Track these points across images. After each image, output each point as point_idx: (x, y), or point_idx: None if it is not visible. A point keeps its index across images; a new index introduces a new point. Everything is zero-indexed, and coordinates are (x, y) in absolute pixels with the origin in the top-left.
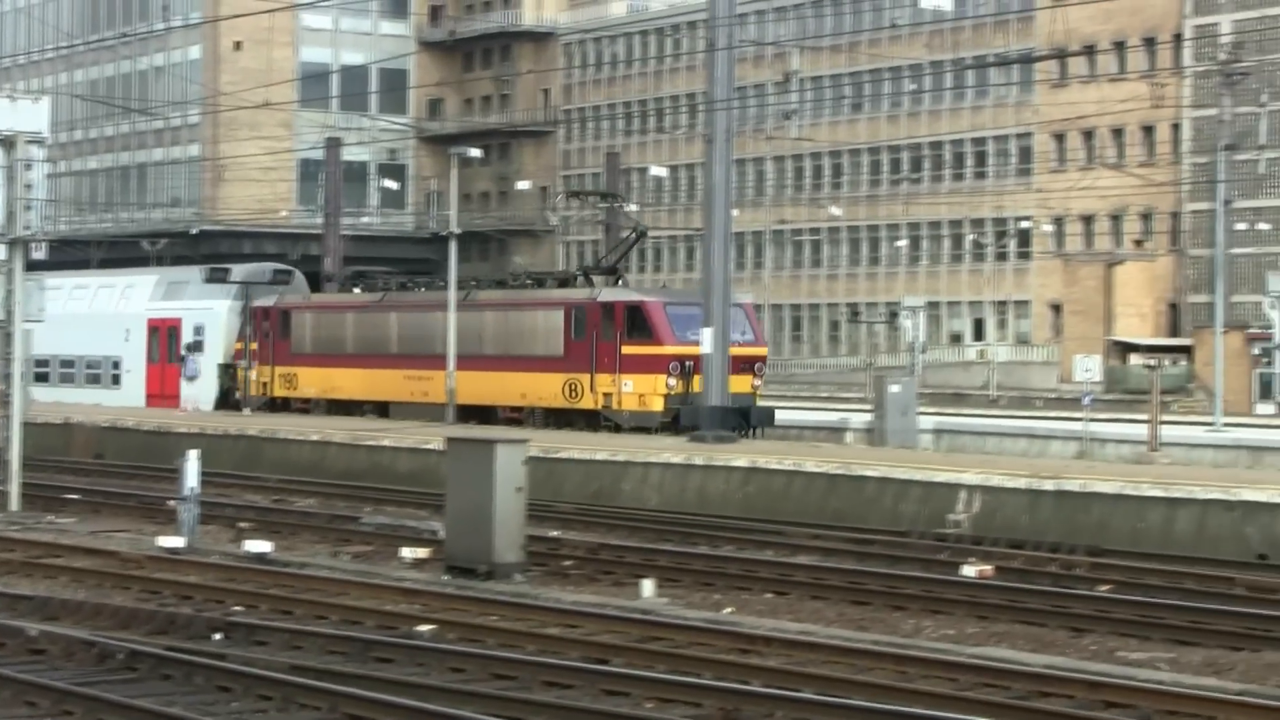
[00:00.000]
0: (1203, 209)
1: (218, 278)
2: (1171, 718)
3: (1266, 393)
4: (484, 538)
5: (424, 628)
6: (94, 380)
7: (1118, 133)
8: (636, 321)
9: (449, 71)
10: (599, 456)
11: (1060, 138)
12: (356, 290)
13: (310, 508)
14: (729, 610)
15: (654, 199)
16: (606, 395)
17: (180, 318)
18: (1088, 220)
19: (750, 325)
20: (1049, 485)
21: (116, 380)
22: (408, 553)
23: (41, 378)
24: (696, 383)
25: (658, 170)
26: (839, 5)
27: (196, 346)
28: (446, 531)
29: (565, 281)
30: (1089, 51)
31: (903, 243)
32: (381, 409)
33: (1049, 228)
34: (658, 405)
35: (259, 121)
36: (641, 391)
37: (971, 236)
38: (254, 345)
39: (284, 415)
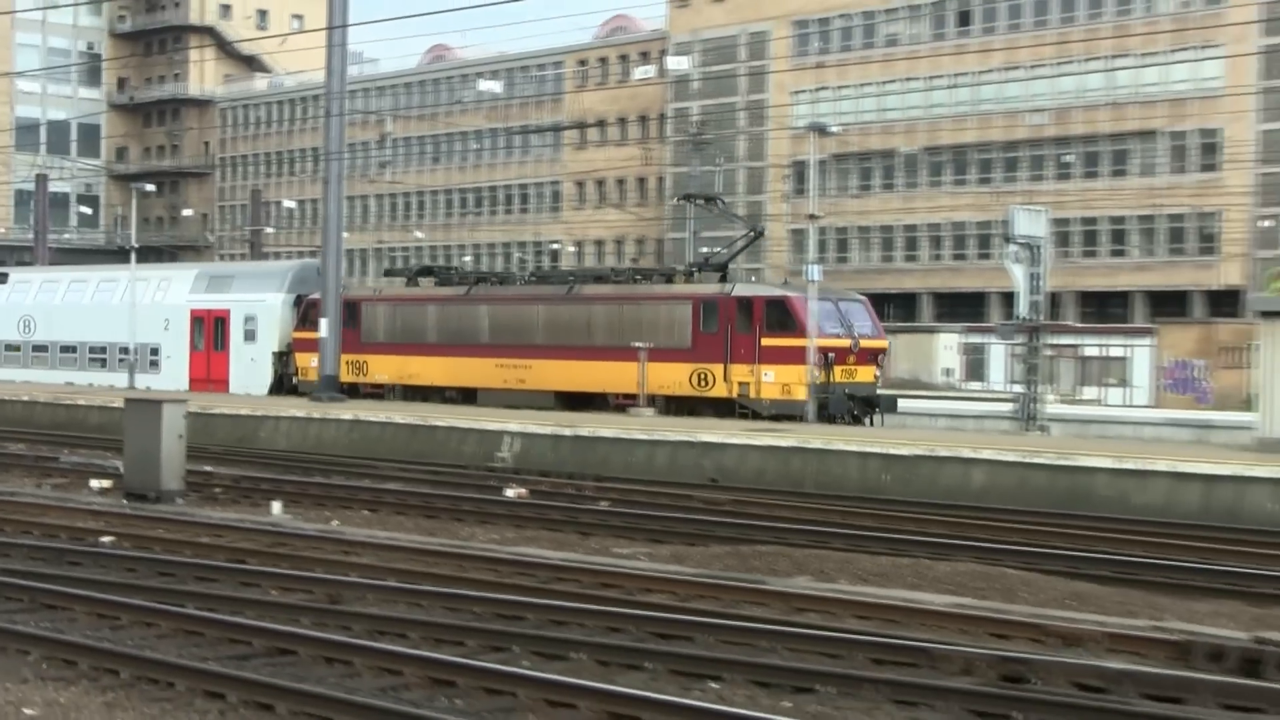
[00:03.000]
0: (679, 237)
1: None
2: (647, 593)
3: None
4: (153, 472)
5: (106, 538)
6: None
7: (621, 182)
8: (778, 315)
9: (132, 126)
10: (242, 412)
11: (580, 184)
12: (424, 283)
13: (21, 451)
14: (335, 523)
15: (288, 225)
16: (743, 384)
17: (228, 309)
18: (599, 244)
19: (872, 321)
20: (567, 432)
21: (155, 365)
22: (95, 484)
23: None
24: (838, 373)
25: (289, 203)
26: (423, 85)
27: (249, 336)
28: (125, 467)
29: (671, 277)
30: (600, 124)
31: (469, 258)
32: (468, 395)
33: (572, 248)
34: (802, 394)
35: None
36: (785, 381)
37: (518, 256)
38: (315, 335)
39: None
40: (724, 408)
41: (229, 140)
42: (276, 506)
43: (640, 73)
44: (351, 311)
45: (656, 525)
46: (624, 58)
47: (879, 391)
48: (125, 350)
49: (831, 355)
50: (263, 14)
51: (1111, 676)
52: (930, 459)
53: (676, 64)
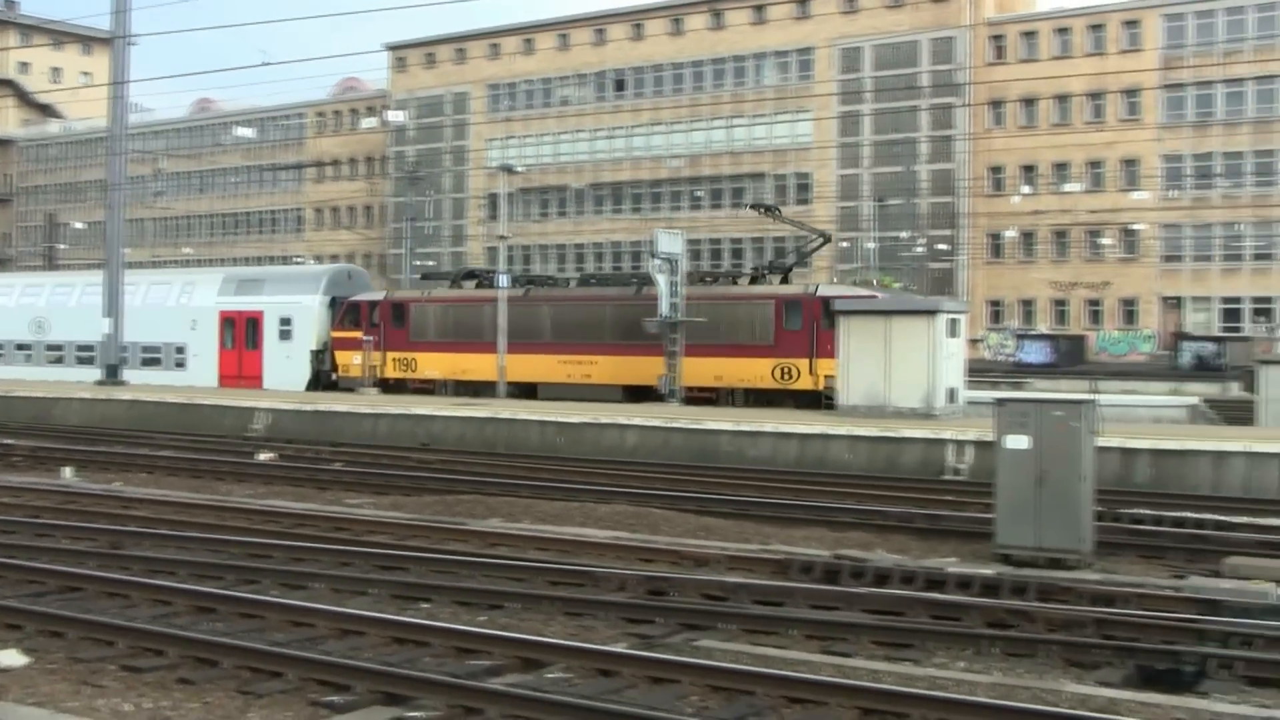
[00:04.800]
0: (397, 253)
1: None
2: (372, 534)
3: None
4: None
5: None
6: (152, 364)
7: (351, 209)
8: None
9: None
10: (38, 394)
11: (319, 211)
12: (467, 285)
13: None
14: (118, 484)
15: (77, 243)
16: (829, 378)
17: (261, 310)
18: (335, 257)
19: None
20: (308, 407)
21: (181, 364)
22: None
23: (86, 360)
24: None
25: (79, 224)
26: (190, 130)
27: (285, 335)
28: None
29: (736, 279)
30: (335, 163)
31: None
32: (524, 390)
33: (313, 260)
34: None
35: None
36: None
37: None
38: (356, 334)
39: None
40: (805, 399)
41: (29, 174)
42: (68, 471)
43: (367, 123)
44: (398, 312)
45: (380, 480)
46: (354, 110)
47: None
48: (149, 349)
49: None
50: (56, 70)
51: (730, 588)
52: (594, 425)
53: (395, 116)
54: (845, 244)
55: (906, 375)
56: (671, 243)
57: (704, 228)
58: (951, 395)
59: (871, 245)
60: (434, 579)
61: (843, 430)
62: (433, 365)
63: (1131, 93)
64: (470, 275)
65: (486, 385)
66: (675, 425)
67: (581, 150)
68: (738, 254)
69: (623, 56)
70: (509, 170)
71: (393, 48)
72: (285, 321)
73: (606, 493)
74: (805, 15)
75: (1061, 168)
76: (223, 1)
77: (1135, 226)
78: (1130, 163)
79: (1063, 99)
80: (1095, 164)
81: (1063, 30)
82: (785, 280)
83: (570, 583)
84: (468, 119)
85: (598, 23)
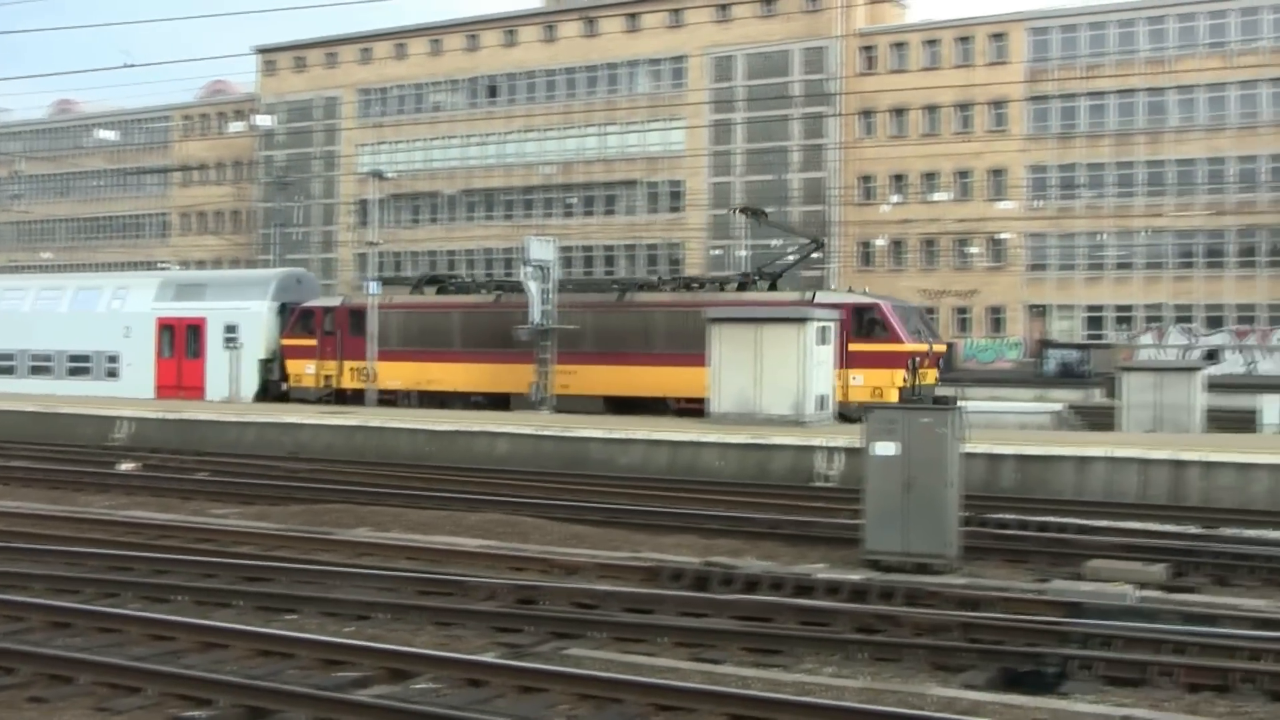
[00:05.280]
0: (266, 258)
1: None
2: (238, 545)
3: None
4: None
5: None
6: (81, 373)
7: (219, 214)
8: (868, 322)
9: None
10: None
11: (186, 215)
12: (428, 290)
13: None
14: None
15: None
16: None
17: (204, 317)
18: (202, 263)
19: (929, 328)
20: (172, 416)
21: (113, 374)
22: None
23: (7, 370)
24: (930, 376)
25: None
26: (50, 132)
27: (230, 343)
28: None
29: (724, 285)
30: (202, 167)
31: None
32: (496, 400)
33: (178, 267)
34: (894, 397)
35: None
36: (877, 385)
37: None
38: (310, 342)
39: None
40: None
41: None
42: None
43: (235, 127)
44: (357, 319)
45: (246, 490)
46: (222, 114)
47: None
48: (77, 359)
49: (918, 359)
50: None
51: (600, 596)
52: (465, 433)
53: (264, 120)
54: (716, 251)
55: (777, 383)
56: (543, 250)
57: (576, 235)
58: (821, 402)
59: (743, 254)
60: (301, 590)
61: (713, 438)
62: (395, 375)
63: (998, 104)
64: (433, 281)
65: (457, 396)
66: (546, 433)
67: (453, 156)
68: (610, 261)
69: (495, 62)
70: (379, 176)
71: (262, 50)
72: (231, 329)
73: (477, 501)
74: (678, 24)
75: (930, 177)
76: (85, 0)
77: (1002, 236)
78: (997, 173)
79: (932, 109)
80: (963, 174)
81: (932, 42)
82: (773, 287)
83: (440, 592)
84: (338, 124)
85: (471, 28)
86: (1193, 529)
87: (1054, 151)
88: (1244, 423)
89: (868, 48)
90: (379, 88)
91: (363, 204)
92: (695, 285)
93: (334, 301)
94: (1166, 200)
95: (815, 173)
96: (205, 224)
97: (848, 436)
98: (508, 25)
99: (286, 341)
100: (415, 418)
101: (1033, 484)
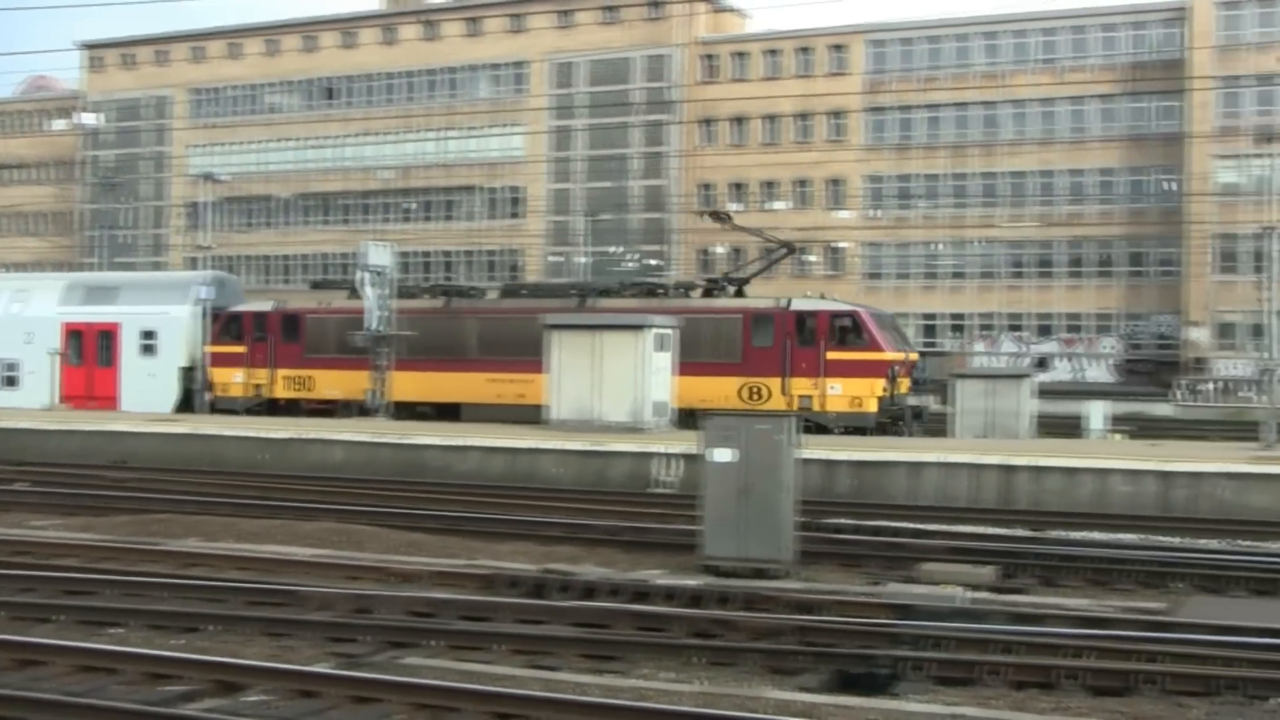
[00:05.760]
0: (90, 261)
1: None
2: (59, 558)
3: None
4: None
5: None
6: None
7: (40, 215)
8: (847, 330)
9: None
10: None
11: (3, 216)
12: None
13: None
14: None
15: None
16: (804, 398)
17: (118, 322)
18: (23, 266)
19: (904, 336)
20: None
21: (12, 382)
22: None
23: None
24: (904, 385)
25: None
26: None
27: (148, 350)
28: None
29: (689, 291)
30: (22, 166)
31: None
32: (447, 410)
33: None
34: (873, 407)
35: None
36: (855, 394)
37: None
38: (238, 349)
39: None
40: None
41: None
42: None
43: (58, 124)
44: (291, 324)
45: (69, 501)
46: (44, 111)
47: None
48: None
49: (897, 368)
50: None
51: (437, 604)
52: (298, 440)
53: (90, 118)
54: (556, 258)
55: (616, 389)
56: (381, 255)
57: (415, 240)
58: (660, 409)
59: (583, 260)
60: (126, 603)
61: (552, 444)
62: (333, 384)
63: (837, 114)
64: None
65: (403, 407)
66: (383, 440)
67: (289, 159)
68: (449, 267)
69: (334, 64)
70: (211, 178)
71: (88, 46)
72: (148, 335)
73: (311, 509)
74: (520, 29)
75: (770, 186)
76: None
77: (840, 245)
78: (835, 182)
79: (772, 119)
80: (802, 183)
81: (773, 52)
82: (740, 293)
83: (271, 602)
84: (169, 124)
85: (308, 29)
86: (1021, 531)
87: (891, 162)
88: (1071, 428)
89: (709, 56)
90: (212, 88)
91: (194, 207)
92: (660, 291)
93: (265, 306)
94: (999, 211)
95: (656, 180)
96: (25, 225)
97: (685, 443)
98: (347, 27)
99: (213, 349)
100: (247, 425)
101: (868, 489)
